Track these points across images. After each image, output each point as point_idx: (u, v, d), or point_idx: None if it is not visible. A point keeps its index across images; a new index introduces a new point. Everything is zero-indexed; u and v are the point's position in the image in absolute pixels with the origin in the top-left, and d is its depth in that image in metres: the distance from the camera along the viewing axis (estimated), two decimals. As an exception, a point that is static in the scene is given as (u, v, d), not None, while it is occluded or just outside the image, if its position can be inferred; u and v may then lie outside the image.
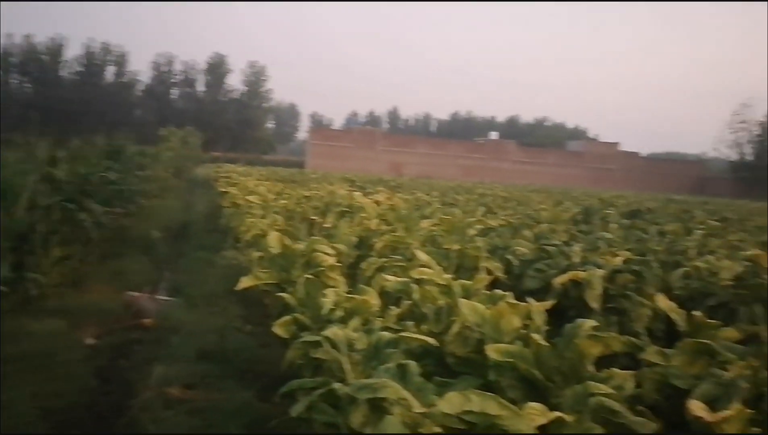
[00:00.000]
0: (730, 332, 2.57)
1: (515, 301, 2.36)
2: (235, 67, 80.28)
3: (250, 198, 7.60)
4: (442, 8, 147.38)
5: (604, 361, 2.21)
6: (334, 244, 4.14)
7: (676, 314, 2.80)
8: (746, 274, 4.06)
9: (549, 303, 2.56)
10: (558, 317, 2.80)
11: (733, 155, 56.30)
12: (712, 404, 1.61)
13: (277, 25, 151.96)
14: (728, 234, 7.71)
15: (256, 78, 63.47)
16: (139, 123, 49.47)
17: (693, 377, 1.89)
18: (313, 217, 6.44)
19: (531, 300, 2.51)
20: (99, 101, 53.52)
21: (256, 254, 4.15)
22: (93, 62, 57.96)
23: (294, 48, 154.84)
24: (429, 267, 3.00)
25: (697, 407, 1.49)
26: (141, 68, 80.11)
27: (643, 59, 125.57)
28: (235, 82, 64.16)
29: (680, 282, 4.14)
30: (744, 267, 4.23)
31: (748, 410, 1.51)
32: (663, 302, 2.92)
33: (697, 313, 2.63)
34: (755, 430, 1.50)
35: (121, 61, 60.31)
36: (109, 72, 60.04)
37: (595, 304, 3.37)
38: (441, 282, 2.64)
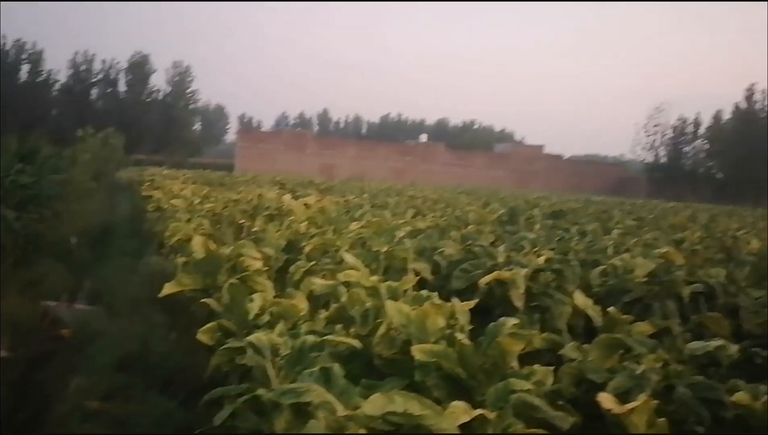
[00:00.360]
0: (644, 327, 2.70)
1: (441, 302, 2.40)
2: (160, 67, 78.10)
3: (175, 202, 7.39)
4: (372, 11, 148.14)
5: (527, 358, 2.28)
6: (262, 248, 4.08)
7: (593, 311, 2.92)
8: (659, 271, 4.27)
9: (472, 302, 2.61)
10: (484, 316, 2.86)
11: (649, 157, 59.16)
12: (625, 396, 1.69)
13: (204, 26, 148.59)
14: (643, 233, 8.10)
15: (181, 78, 61.73)
16: (55, 124, 47.20)
17: (608, 371, 1.97)
18: (241, 221, 6.33)
19: (457, 300, 2.56)
20: (12, 100, 50.74)
21: (181, 260, 4.04)
22: (5, 60, 54.93)
23: (222, 49, 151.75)
24: (357, 269, 3.01)
25: (606, 400, 1.56)
26: (58, 67, 76.41)
27: (565, 63, 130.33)
28: (159, 82, 62.28)
29: (598, 280, 4.31)
30: (657, 264, 4.44)
31: (654, 401, 1.59)
32: (580, 299, 3.04)
33: (612, 310, 2.75)
34: (661, 420, 1.57)
35: (36, 59, 57.44)
36: (23, 70, 57.09)
37: (518, 303, 3.46)
38: (368, 284, 2.65)
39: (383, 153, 53.91)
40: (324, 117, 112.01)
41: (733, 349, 2.56)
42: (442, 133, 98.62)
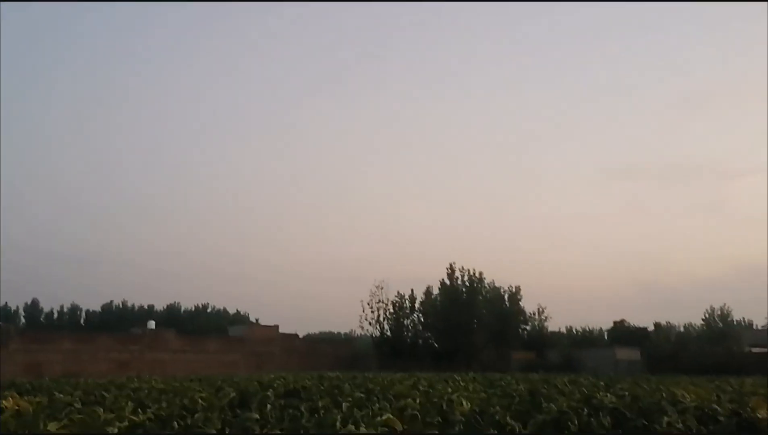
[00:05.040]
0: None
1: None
2: None
3: None
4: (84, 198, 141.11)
5: None
6: None
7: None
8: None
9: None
10: None
11: (375, 331, 63.22)
12: None
13: None
14: (371, 404, 8.39)
15: None
16: None
17: None
18: None
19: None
20: None
21: None
22: None
23: None
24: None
25: None
26: None
27: (295, 250, 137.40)
28: None
29: (327, 455, 4.29)
30: (380, 432, 4.61)
31: None
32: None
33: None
34: None
35: None
36: None
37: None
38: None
39: (105, 344, 48.92)
40: (33, 307, 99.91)
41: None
42: (173, 318, 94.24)
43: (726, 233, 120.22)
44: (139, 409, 7.45)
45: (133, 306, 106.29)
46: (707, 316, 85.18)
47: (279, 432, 4.58)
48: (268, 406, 7.82)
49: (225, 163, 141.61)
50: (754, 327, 79.33)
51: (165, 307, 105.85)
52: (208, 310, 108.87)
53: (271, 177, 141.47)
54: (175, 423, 5.55)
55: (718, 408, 6.82)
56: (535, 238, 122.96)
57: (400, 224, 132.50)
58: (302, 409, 7.23)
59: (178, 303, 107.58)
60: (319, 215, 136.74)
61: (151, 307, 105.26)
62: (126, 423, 5.27)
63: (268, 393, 10.50)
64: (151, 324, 57.88)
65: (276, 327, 60.61)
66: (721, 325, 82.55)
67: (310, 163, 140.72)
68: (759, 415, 6.01)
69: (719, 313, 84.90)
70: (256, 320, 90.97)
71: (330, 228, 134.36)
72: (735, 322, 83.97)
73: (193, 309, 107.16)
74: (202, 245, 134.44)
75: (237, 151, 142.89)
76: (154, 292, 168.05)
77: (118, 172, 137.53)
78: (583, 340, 70.52)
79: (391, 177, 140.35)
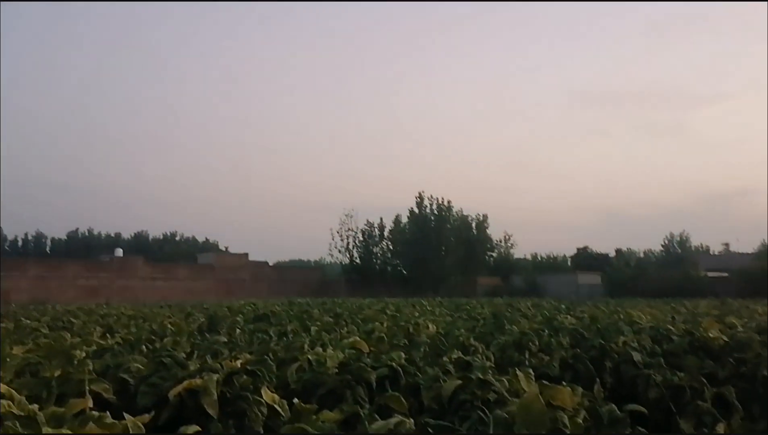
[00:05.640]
0: (332, 415, 2.78)
1: (113, 421, 2.15)
2: None
3: None
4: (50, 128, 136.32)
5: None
6: None
7: (278, 405, 2.93)
8: (349, 361, 4.51)
9: (147, 417, 2.39)
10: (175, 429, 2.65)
11: (345, 259, 63.97)
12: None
13: None
14: (340, 327, 8.57)
15: None
16: None
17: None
18: None
19: (144, 416, 2.33)
20: None
21: None
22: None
23: None
24: (12, 399, 2.56)
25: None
26: None
27: (255, 176, 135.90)
28: None
29: (294, 376, 4.38)
30: (348, 354, 4.70)
31: None
32: (267, 396, 3.02)
33: (297, 402, 2.79)
34: None
35: None
36: None
37: (212, 411, 3.30)
38: (22, 413, 2.27)
39: (73, 271, 48.62)
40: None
41: (410, 423, 2.79)
42: (141, 246, 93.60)
43: (687, 161, 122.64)
44: (108, 335, 7.48)
45: (99, 234, 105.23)
46: (666, 242, 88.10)
47: (248, 355, 4.64)
48: (237, 330, 7.92)
49: (192, 86, 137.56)
50: (711, 252, 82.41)
51: (132, 235, 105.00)
52: (177, 238, 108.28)
53: (238, 103, 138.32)
54: (144, 347, 5.59)
55: (672, 328, 7.13)
56: (502, 166, 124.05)
57: (370, 152, 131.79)
58: (271, 333, 7.33)
59: (146, 231, 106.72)
60: (288, 143, 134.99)
61: (118, 235, 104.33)
62: (93, 347, 5.29)
63: (238, 318, 10.62)
64: (119, 251, 57.42)
65: (245, 255, 60.74)
66: (679, 250, 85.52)
67: (277, 89, 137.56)
68: (710, 335, 6.30)
69: (678, 239, 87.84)
70: (226, 248, 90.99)
71: (299, 156, 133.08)
72: (693, 248, 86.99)
73: (162, 237, 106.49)
74: (170, 173, 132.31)
75: (204, 75, 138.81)
76: (121, 221, 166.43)
77: (82, 98, 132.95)
78: (547, 266, 72.48)
79: (361, 106, 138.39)
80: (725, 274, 50.76)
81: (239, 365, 4.08)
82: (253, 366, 4.02)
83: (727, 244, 79.47)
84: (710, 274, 52.33)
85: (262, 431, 3.33)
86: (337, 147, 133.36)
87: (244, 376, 3.85)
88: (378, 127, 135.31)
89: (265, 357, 4.54)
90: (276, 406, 2.92)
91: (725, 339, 6.15)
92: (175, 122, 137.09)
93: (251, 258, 60.52)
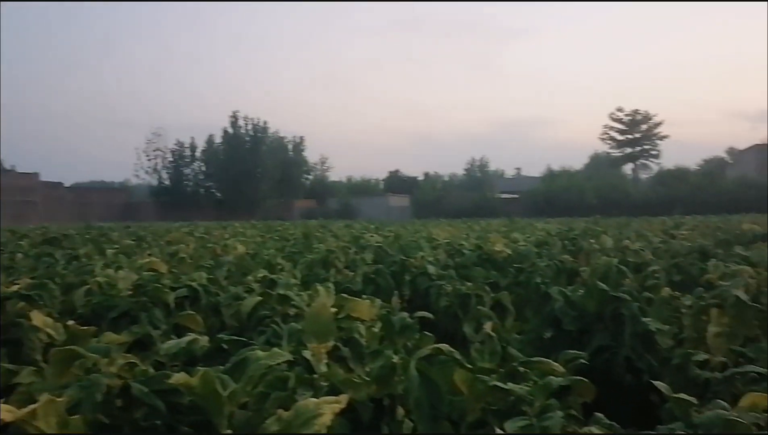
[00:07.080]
0: (114, 337, 2.61)
1: None
2: None
3: None
4: None
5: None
6: None
7: (52, 329, 2.70)
8: (145, 282, 4.28)
9: None
10: None
11: (153, 181, 60.35)
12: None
13: None
14: (141, 251, 8.10)
15: None
16: None
17: (61, 387, 1.81)
18: None
19: None
20: None
21: None
22: None
23: None
24: None
25: (4, 411, 1.40)
26: None
27: (46, 86, 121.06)
28: None
29: (82, 300, 4.06)
30: (144, 277, 4.45)
31: (60, 399, 1.52)
32: (38, 320, 2.77)
33: (71, 323, 2.60)
34: (74, 417, 1.51)
35: None
36: None
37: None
38: None
39: None
40: None
41: (204, 340, 2.73)
42: None
43: (491, 91, 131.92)
44: None
45: None
46: (469, 166, 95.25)
47: (29, 280, 4.19)
48: (19, 255, 7.15)
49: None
50: (505, 176, 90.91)
51: None
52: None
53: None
54: None
55: (465, 244, 7.75)
56: (319, 87, 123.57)
57: (176, 61, 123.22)
58: (58, 256, 6.73)
59: None
60: (84, 46, 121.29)
61: None
62: None
63: (22, 242, 9.61)
64: None
65: (36, 174, 54.66)
66: (479, 174, 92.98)
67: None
68: (496, 248, 6.97)
69: (479, 163, 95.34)
70: (12, 167, 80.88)
71: (97, 61, 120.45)
72: (491, 172, 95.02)
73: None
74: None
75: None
76: None
77: None
78: (361, 189, 74.76)
79: (172, 17, 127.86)
80: (516, 196, 56.25)
81: (15, 290, 3.70)
82: (31, 291, 3.67)
83: (519, 169, 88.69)
84: (504, 195, 57.76)
85: (40, 358, 3.06)
86: (139, 52, 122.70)
87: (21, 302, 3.49)
88: (191, 41, 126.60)
89: (46, 281, 4.15)
90: (49, 330, 2.68)
91: (508, 252, 6.84)
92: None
93: (43, 178, 54.67)
